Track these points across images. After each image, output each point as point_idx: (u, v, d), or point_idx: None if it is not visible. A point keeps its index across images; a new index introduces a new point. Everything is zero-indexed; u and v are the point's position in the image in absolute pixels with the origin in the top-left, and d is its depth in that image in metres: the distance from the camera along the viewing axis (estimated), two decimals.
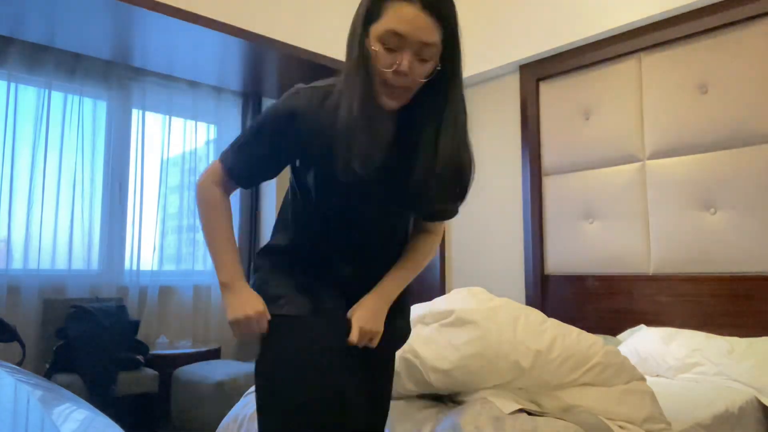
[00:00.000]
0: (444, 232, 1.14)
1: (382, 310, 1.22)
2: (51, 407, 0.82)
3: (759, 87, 2.69)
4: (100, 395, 3.06)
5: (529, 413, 1.59)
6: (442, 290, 3.99)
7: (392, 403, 1.52)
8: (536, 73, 3.58)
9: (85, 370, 3.11)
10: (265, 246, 1.29)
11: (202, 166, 4.37)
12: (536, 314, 1.83)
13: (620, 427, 1.64)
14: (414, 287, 1.36)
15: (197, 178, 1.22)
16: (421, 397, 1.81)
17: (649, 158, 3.06)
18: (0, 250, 3.39)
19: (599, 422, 1.59)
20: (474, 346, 1.64)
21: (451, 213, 1.26)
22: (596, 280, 3.20)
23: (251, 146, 1.19)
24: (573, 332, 1.80)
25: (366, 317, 1.19)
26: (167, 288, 4.04)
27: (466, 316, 1.71)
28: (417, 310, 1.84)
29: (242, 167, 1.20)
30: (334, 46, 3.68)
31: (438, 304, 1.87)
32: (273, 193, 4.44)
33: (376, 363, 1.28)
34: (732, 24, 2.79)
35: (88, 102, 3.78)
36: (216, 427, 1.97)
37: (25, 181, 3.48)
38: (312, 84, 1.18)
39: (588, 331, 3.18)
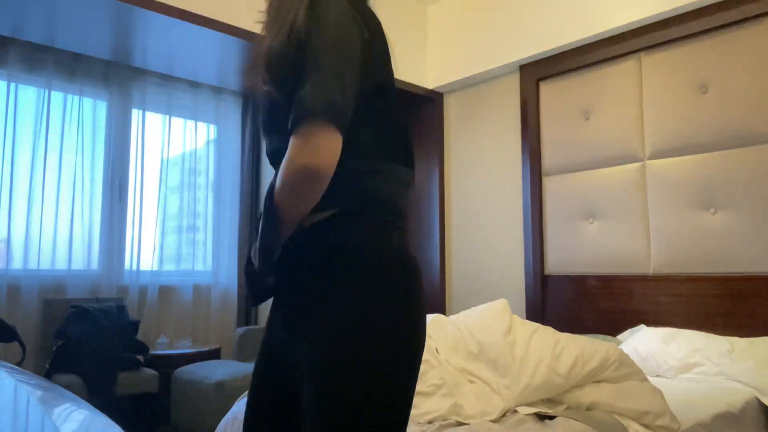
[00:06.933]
0: (321, 163, 0.88)
1: None
2: (51, 407, 0.82)
3: (759, 87, 2.69)
4: (100, 395, 3.06)
5: (542, 417, 1.61)
6: (442, 290, 3.99)
7: None
8: (536, 73, 3.58)
9: (85, 370, 3.11)
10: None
11: (202, 166, 4.37)
12: (547, 332, 1.91)
13: (639, 422, 1.68)
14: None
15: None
16: None
17: (649, 158, 3.06)
18: (0, 250, 3.39)
19: (614, 421, 1.61)
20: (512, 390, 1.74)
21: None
22: (596, 280, 3.20)
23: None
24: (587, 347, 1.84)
25: None
26: (167, 288, 4.04)
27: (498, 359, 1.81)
28: (443, 335, 1.96)
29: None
30: None
31: (465, 335, 1.96)
32: None
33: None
34: (732, 24, 2.79)
35: (88, 102, 3.78)
36: (216, 427, 1.97)
37: (25, 181, 3.48)
38: None
39: (588, 331, 3.21)
